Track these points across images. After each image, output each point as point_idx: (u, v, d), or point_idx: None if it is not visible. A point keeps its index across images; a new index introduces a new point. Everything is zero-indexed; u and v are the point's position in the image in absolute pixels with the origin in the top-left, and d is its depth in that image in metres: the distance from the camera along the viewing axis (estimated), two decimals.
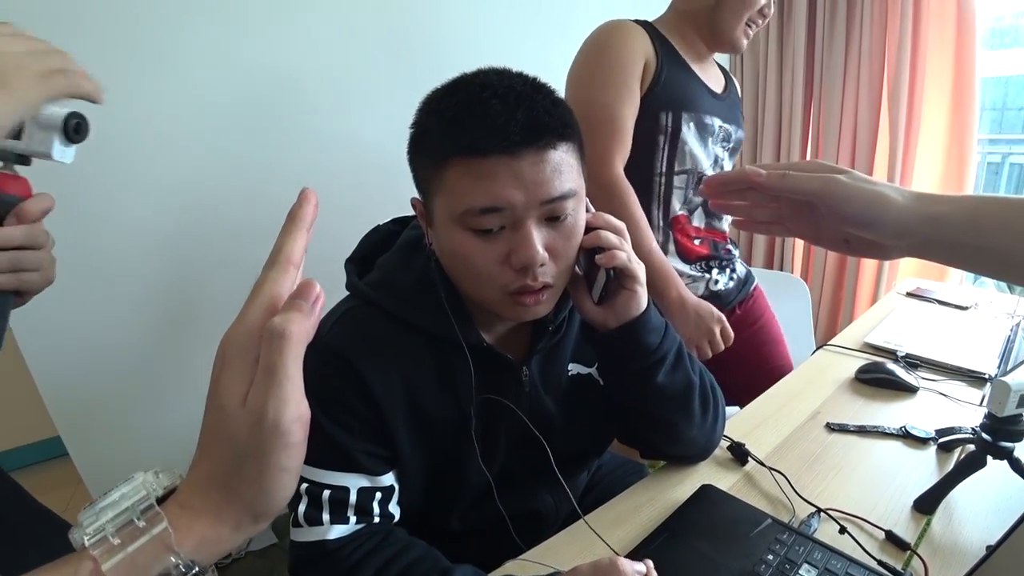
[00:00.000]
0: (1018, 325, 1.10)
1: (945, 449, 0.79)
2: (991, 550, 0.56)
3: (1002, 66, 2.09)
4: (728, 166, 1.22)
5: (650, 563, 0.53)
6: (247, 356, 0.29)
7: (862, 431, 0.85)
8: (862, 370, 1.00)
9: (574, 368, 0.71)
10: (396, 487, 0.65)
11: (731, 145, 1.20)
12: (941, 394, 0.94)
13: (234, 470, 0.29)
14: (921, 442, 0.81)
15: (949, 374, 1.00)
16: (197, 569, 0.28)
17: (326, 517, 0.60)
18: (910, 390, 0.95)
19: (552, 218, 0.57)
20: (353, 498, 0.61)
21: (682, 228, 1.16)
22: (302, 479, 0.61)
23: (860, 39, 2.04)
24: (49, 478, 2.09)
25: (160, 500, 0.29)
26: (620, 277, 0.62)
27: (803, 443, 0.83)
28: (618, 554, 0.62)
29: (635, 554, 0.63)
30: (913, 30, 1.91)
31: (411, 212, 0.67)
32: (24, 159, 0.48)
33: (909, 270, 2.04)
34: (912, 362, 1.04)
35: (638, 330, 0.63)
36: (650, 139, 1.09)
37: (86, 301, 1.27)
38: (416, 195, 0.63)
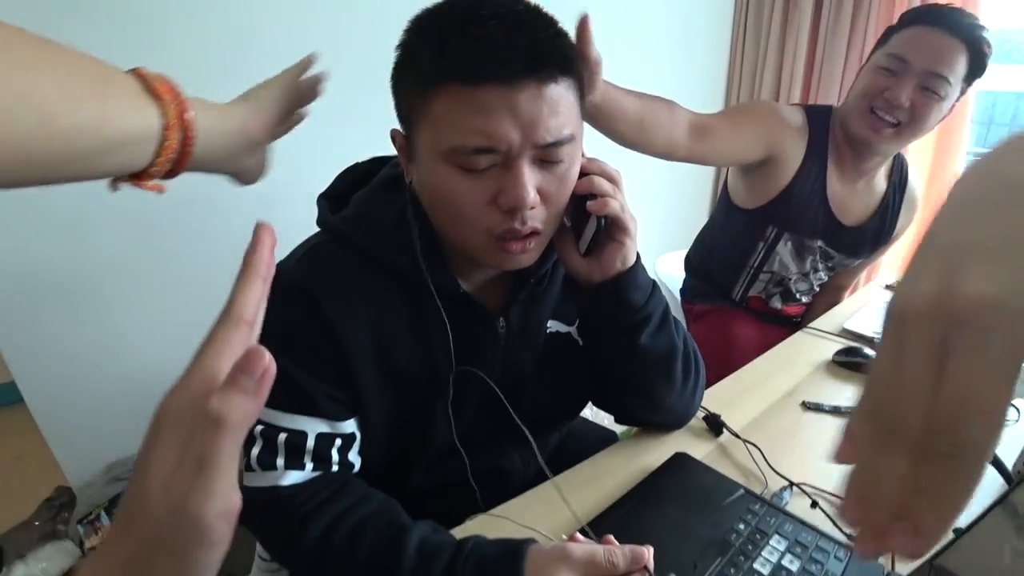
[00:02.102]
0: None
1: None
2: (959, 534, 0.55)
3: (993, 81, 2.09)
4: (824, 277, 1.28)
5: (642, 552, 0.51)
6: (181, 430, 0.26)
7: (837, 411, 0.84)
8: (839, 353, 0.99)
9: (553, 325, 0.68)
10: (357, 435, 0.62)
11: (831, 264, 1.25)
12: None
13: (146, 561, 0.25)
14: None
15: None
16: None
17: (280, 462, 0.56)
18: None
19: (547, 160, 0.53)
20: (311, 443, 0.58)
21: (757, 305, 1.31)
22: (257, 420, 0.57)
23: (864, 41, 2.03)
24: (1, 426, 2.00)
25: None
26: (610, 228, 0.59)
27: (778, 419, 0.82)
28: (581, 521, 0.60)
29: (605, 518, 0.61)
30: None
31: (393, 152, 0.62)
32: None
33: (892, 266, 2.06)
34: None
35: (624, 286, 0.60)
36: (751, 241, 1.21)
37: (41, 233, 1.19)
38: (397, 127, 0.58)
